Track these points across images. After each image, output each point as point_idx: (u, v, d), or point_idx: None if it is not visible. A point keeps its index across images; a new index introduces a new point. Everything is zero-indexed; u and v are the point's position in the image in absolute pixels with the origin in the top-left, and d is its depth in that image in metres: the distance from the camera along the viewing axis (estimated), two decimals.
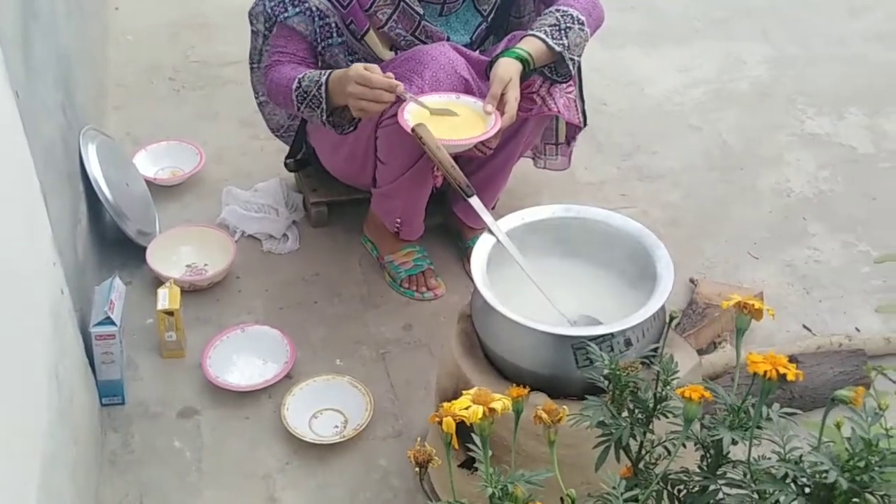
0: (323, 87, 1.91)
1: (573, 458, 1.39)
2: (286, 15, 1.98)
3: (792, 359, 2.00)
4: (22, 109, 1.57)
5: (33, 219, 1.59)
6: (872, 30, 3.39)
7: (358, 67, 1.83)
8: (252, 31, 2.11)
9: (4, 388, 1.29)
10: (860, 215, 2.54)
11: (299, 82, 1.94)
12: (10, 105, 1.51)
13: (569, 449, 1.39)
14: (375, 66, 1.85)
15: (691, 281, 2.27)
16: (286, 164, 2.39)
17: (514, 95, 1.88)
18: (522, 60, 1.91)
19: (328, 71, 1.92)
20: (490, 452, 1.04)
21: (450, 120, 1.87)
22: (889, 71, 3.17)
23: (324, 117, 1.94)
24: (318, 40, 2.00)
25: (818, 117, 2.94)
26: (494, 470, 0.98)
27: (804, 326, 2.20)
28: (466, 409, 0.97)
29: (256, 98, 2.24)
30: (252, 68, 2.18)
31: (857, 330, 2.18)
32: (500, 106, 1.88)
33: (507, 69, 1.89)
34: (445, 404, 0.99)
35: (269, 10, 1.99)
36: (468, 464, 1.60)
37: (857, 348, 2.06)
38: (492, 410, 0.97)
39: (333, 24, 1.98)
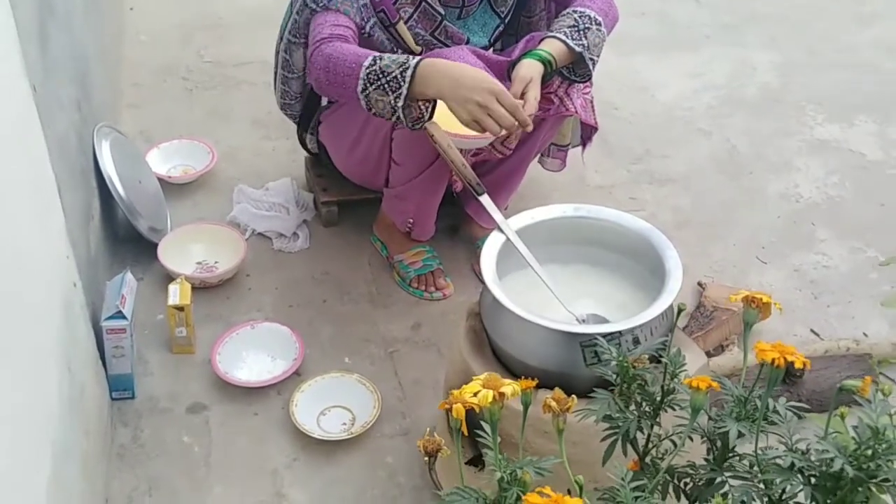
0: (410, 71, 1.77)
1: (581, 455, 1.39)
2: None
3: None
4: (38, 104, 1.59)
5: (48, 211, 1.60)
6: (882, 38, 3.40)
7: (494, 81, 1.78)
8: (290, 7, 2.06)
9: (18, 378, 1.31)
10: (869, 221, 2.54)
11: (375, 60, 1.80)
12: (28, 99, 1.53)
13: (576, 446, 1.40)
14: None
15: (699, 285, 2.27)
16: (301, 140, 2.35)
17: (534, 95, 1.88)
18: (545, 62, 1.91)
19: (418, 57, 1.82)
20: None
21: None
22: None
23: (399, 103, 1.78)
24: (365, 20, 1.95)
25: (827, 124, 2.94)
26: (504, 456, 0.99)
27: (812, 331, 2.20)
28: (476, 394, 0.98)
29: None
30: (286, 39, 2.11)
31: (865, 335, 2.19)
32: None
33: (529, 69, 1.89)
34: (455, 392, 1.00)
35: (319, 1, 1.94)
36: (475, 462, 1.61)
37: (865, 353, 2.07)
38: (501, 395, 0.98)
39: (369, 6, 1.94)
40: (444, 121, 1.84)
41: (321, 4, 1.95)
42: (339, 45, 1.87)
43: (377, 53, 1.82)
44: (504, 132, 1.84)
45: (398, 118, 1.82)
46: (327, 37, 1.89)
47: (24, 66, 1.52)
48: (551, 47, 1.93)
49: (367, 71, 1.80)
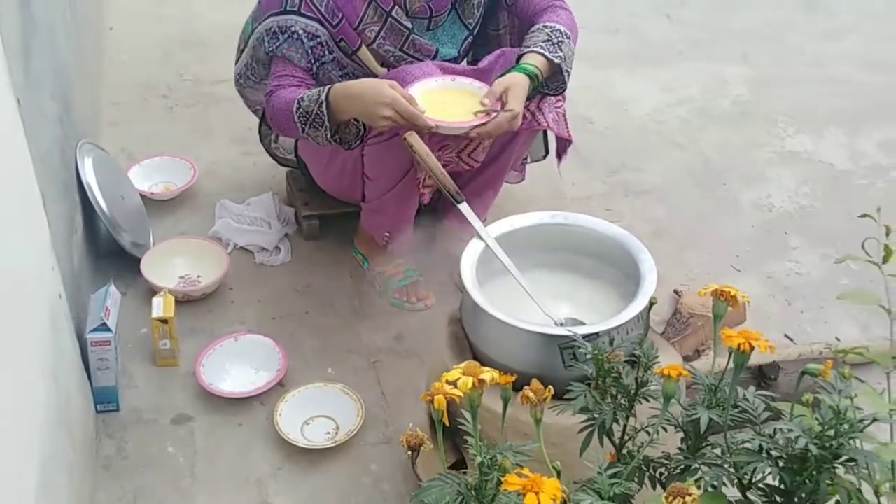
0: (324, 105, 1.91)
1: (558, 456, 1.41)
2: (277, 44, 2.02)
3: (773, 365, 2.05)
4: (23, 118, 1.62)
5: (33, 222, 1.62)
6: (851, 52, 3.48)
7: (385, 91, 1.84)
8: (240, 57, 2.18)
9: (6, 386, 1.32)
10: (839, 229, 2.60)
11: (298, 103, 1.94)
12: (14, 112, 1.56)
13: (554, 447, 1.43)
14: (396, 85, 1.87)
15: (675, 292, 2.31)
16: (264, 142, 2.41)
17: (517, 106, 1.90)
18: (532, 76, 1.95)
19: (326, 87, 1.93)
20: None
21: (445, 102, 1.93)
22: (866, 91, 3.24)
23: (328, 135, 1.94)
24: (313, 61, 2.03)
25: (798, 135, 3.01)
26: (484, 443, 1.02)
27: (786, 336, 2.25)
28: (456, 382, 1.01)
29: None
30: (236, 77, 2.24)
31: (838, 339, 2.24)
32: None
33: (513, 78, 1.92)
34: (436, 384, 1.03)
35: (267, 47, 2.03)
36: (457, 467, 1.64)
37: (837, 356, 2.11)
38: (481, 382, 1.01)
39: (325, 43, 2.03)
40: (430, 108, 1.88)
41: (268, 51, 2.04)
42: (278, 94, 2.01)
43: (301, 94, 1.96)
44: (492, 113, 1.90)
45: (337, 144, 1.97)
46: (273, 89, 2.03)
47: (10, 80, 1.54)
48: (534, 61, 1.96)
49: (297, 115, 1.95)
